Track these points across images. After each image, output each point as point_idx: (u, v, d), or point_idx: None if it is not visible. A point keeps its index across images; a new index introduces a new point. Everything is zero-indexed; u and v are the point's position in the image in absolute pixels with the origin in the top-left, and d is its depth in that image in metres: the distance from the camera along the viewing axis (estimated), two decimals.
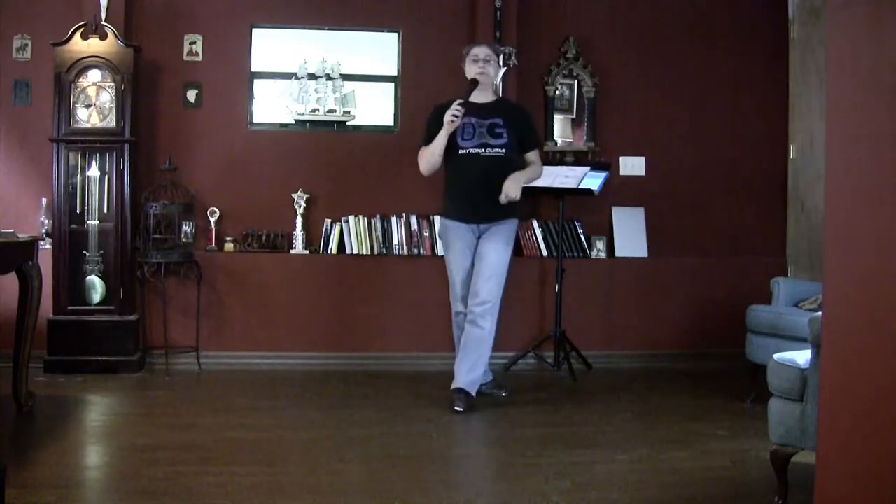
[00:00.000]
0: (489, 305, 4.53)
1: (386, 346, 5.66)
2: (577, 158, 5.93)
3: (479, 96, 4.67)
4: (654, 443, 3.97)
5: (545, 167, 5.74)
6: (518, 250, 5.82)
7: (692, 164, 6.11)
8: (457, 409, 4.43)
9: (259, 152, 5.75)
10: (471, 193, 4.63)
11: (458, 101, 4.54)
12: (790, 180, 6.11)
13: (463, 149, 4.60)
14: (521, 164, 4.72)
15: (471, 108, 4.59)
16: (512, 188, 4.55)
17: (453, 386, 4.53)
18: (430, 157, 4.63)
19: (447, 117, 4.52)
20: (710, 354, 5.80)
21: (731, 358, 5.44)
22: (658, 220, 6.04)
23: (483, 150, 4.59)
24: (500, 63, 4.77)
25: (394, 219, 5.68)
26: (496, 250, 4.61)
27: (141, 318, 5.45)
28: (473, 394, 4.52)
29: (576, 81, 6.01)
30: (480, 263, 4.60)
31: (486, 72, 4.66)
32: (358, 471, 3.60)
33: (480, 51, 4.71)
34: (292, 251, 5.64)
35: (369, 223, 5.67)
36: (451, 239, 4.70)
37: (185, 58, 5.67)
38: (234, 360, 5.54)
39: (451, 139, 4.59)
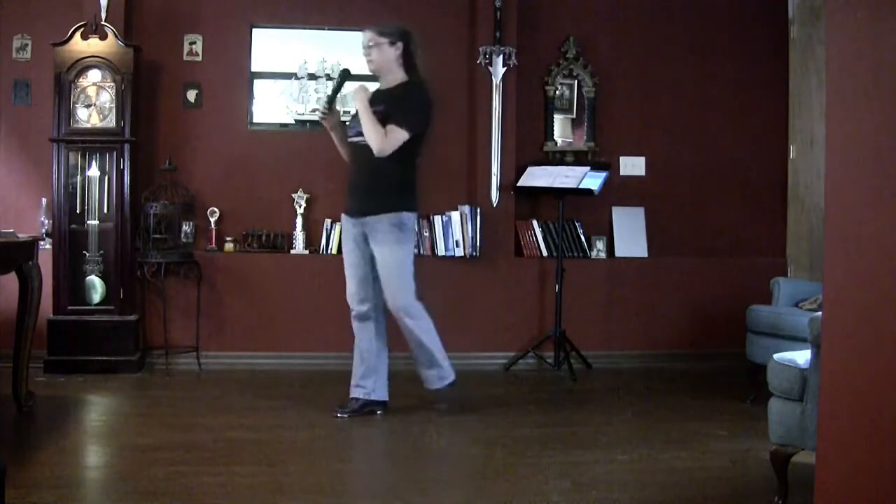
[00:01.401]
0: (400, 307, 4.32)
1: None
2: (577, 158, 5.94)
3: (381, 83, 4.42)
4: (654, 443, 3.97)
5: (546, 167, 5.77)
6: (518, 250, 5.84)
7: (692, 164, 6.11)
8: (439, 408, 4.41)
9: (259, 152, 5.75)
10: (349, 184, 4.43)
11: (325, 101, 4.38)
12: (790, 180, 6.12)
13: (349, 137, 4.40)
14: (399, 157, 4.26)
15: (372, 96, 4.39)
16: (330, 117, 4.33)
17: (428, 387, 4.45)
18: None
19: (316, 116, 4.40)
20: (710, 354, 5.80)
21: (731, 358, 5.43)
22: (658, 220, 6.04)
23: (359, 138, 4.29)
24: (396, 41, 4.29)
25: None
26: (386, 252, 4.30)
27: (141, 318, 5.46)
28: (442, 386, 4.42)
29: (576, 81, 6.01)
30: (377, 269, 4.36)
31: (371, 58, 4.32)
32: (358, 471, 3.60)
33: (363, 37, 4.33)
34: (292, 251, 5.64)
35: None
36: (342, 232, 4.52)
37: (185, 58, 5.67)
38: (234, 360, 5.54)
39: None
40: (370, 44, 4.29)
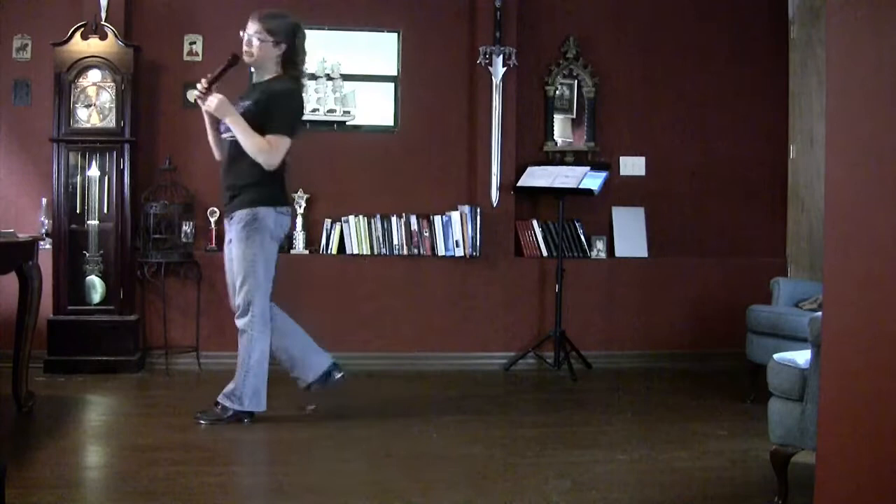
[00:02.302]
0: (241, 311, 4.14)
1: (386, 346, 5.65)
2: (577, 158, 5.94)
3: (256, 75, 4.28)
4: (654, 443, 3.97)
5: (546, 167, 5.78)
6: (518, 250, 5.84)
7: (692, 164, 6.11)
8: (197, 416, 4.20)
9: None
10: (221, 180, 4.23)
11: (204, 83, 4.13)
12: (790, 180, 6.12)
13: (221, 134, 4.23)
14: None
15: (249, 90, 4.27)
16: (207, 98, 4.08)
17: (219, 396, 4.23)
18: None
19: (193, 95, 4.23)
20: (710, 354, 5.80)
21: (731, 358, 5.44)
22: (658, 220, 6.04)
23: (228, 133, 4.13)
24: (282, 41, 4.13)
25: (394, 219, 5.68)
26: (236, 250, 4.13)
27: (141, 318, 5.45)
28: (225, 407, 4.17)
29: (576, 81, 6.01)
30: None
31: (251, 51, 4.14)
32: (358, 471, 3.60)
33: (249, 25, 4.16)
34: (292, 251, 5.63)
35: (369, 223, 5.67)
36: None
37: (185, 58, 5.67)
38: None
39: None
40: (256, 37, 4.12)
